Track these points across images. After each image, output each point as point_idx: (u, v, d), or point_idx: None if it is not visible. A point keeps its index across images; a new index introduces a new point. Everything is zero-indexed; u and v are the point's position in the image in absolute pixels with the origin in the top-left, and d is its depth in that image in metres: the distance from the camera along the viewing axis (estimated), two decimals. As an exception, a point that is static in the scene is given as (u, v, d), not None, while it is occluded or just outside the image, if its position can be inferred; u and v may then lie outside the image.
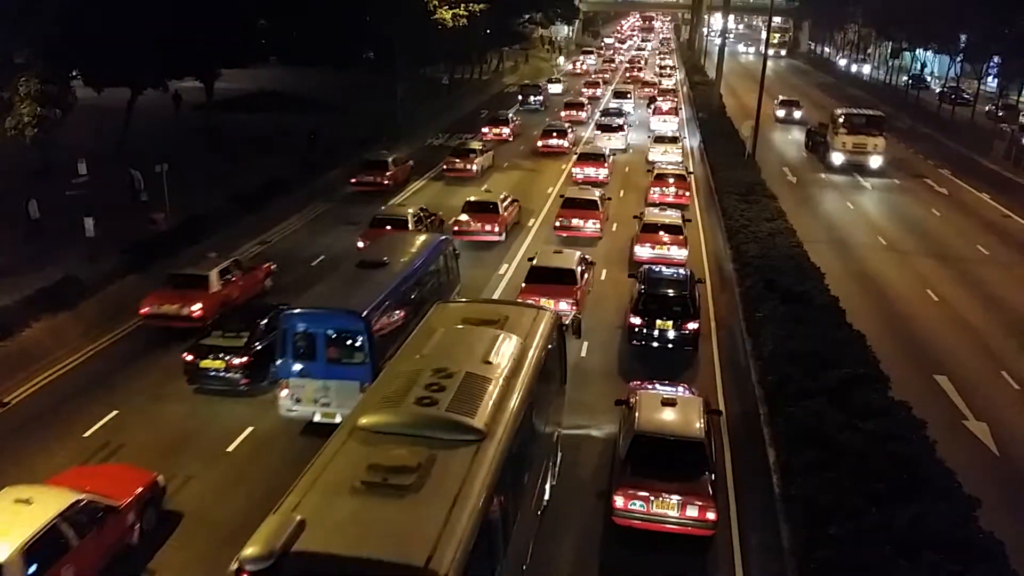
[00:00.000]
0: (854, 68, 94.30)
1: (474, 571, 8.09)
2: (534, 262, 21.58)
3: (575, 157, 39.10)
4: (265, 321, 17.54)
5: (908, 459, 12.07)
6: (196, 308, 19.63)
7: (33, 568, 10.23)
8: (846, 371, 14.75)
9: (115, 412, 16.28)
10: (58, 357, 18.68)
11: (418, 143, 44.79)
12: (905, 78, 75.46)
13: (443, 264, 19.91)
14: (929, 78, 75.91)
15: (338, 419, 14.46)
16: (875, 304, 23.56)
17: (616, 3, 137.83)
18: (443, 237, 21.13)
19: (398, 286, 16.96)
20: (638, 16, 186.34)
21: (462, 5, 49.99)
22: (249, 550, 7.51)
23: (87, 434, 15.49)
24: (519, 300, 18.83)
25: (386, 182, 33.95)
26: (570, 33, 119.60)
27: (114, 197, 29.26)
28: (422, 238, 20.68)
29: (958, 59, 60.11)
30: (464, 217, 27.48)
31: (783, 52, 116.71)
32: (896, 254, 28.85)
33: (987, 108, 58.73)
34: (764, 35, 48.81)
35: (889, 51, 78.90)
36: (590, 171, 36.23)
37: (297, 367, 15.27)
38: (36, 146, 30.92)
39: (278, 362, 15.50)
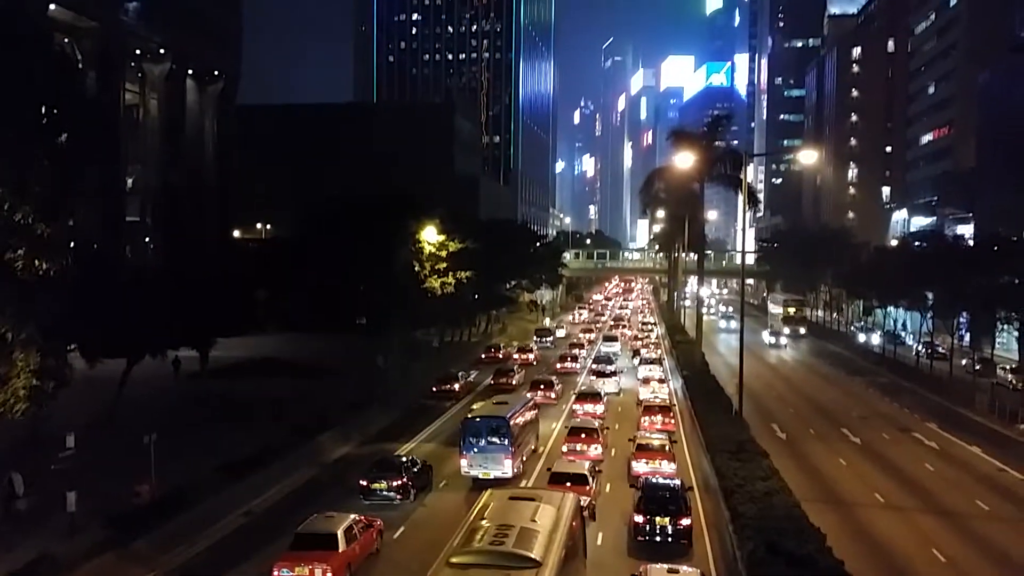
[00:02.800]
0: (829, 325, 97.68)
1: None
2: (552, 469, 27.29)
3: (574, 396, 44.61)
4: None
5: None
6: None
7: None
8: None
9: None
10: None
11: (407, 403, 45.16)
12: (877, 335, 78.22)
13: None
14: (904, 333, 78.54)
15: (492, 475, 29.30)
16: (882, 567, 22.73)
17: (597, 268, 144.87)
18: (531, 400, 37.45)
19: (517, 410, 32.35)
20: (619, 279, 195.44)
21: (450, 274, 52.52)
22: None
23: None
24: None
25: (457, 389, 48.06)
26: (555, 296, 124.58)
27: (100, 471, 28.81)
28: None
29: (928, 315, 62.64)
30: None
31: (802, 331, 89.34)
32: (895, 511, 28.31)
33: (964, 362, 60.31)
34: (749, 289, 51.28)
35: (861, 309, 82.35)
36: (588, 407, 41.09)
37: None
38: (26, 418, 30.85)
39: (461, 444, 30.07)
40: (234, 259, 59.95)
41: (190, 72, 76.14)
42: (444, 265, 52.17)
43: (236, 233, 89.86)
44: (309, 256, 45.95)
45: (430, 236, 50.88)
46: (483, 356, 64.72)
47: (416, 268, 50.13)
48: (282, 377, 49.52)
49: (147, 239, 72.09)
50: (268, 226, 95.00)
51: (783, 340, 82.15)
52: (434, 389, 48.93)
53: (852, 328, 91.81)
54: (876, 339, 77.06)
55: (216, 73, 79.99)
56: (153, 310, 34.56)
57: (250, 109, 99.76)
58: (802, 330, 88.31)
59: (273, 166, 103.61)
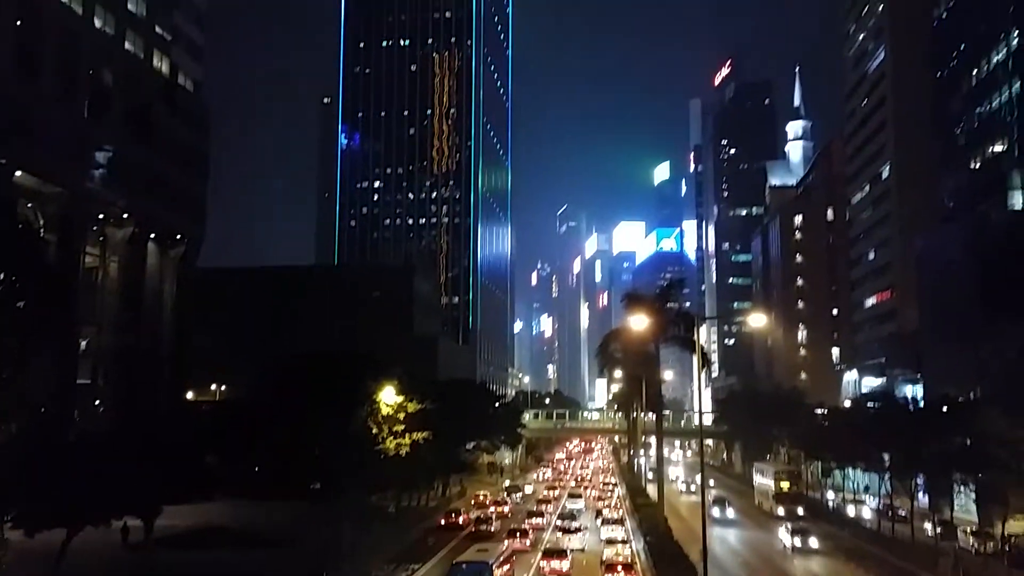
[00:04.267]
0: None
1: None
2: None
3: (540, 552, 45.54)
4: None
5: None
6: None
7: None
8: None
9: None
10: None
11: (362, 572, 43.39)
12: (833, 494, 77.97)
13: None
14: (865, 495, 78.33)
15: None
16: None
17: (556, 429, 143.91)
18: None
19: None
20: (580, 439, 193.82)
21: (407, 435, 51.85)
22: None
23: None
24: None
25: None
26: (515, 458, 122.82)
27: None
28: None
29: (886, 477, 62.83)
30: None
31: (800, 511, 68.16)
32: None
33: (926, 524, 60.06)
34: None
35: (820, 470, 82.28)
36: (555, 564, 42.16)
37: None
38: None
39: None
40: (185, 423, 58.61)
41: (152, 236, 77.04)
42: (402, 427, 51.62)
43: (190, 395, 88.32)
44: (262, 418, 45.28)
45: (388, 397, 50.60)
46: (442, 522, 62.43)
47: (373, 430, 49.50)
48: (233, 547, 47.47)
49: (97, 403, 70.41)
50: (223, 387, 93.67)
51: (812, 540, 53.71)
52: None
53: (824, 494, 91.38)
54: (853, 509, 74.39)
55: (179, 237, 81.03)
56: (97, 477, 33.39)
57: (212, 271, 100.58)
58: (800, 510, 68.05)
59: (233, 328, 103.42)
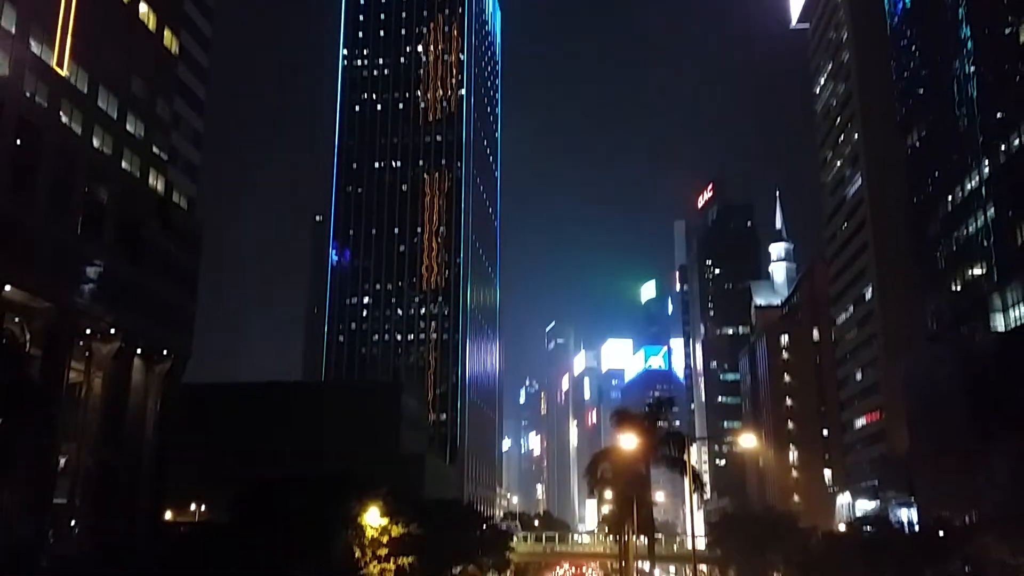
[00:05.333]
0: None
1: None
2: None
3: None
4: None
5: None
6: None
7: None
8: None
9: None
10: None
11: None
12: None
13: None
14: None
15: None
16: None
17: (546, 552, 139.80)
18: None
19: None
20: (570, 565, 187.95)
21: (391, 560, 50.39)
22: None
23: None
24: None
25: None
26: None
27: None
28: None
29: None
30: None
31: None
32: None
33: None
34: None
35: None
36: None
37: None
38: None
39: None
40: (161, 547, 56.80)
41: (138, 351, 76.59)
42: (386, 551, 50.19)
43: (168, 515, 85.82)
44: (241, 543, 43.98)
45: (373, 519, 49.41)
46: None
47: (356, 554, 48.08)
48: None
49: (73, 523, 68.27)
50: (203, 507, 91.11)
51: None
52: None
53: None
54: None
55: (165, 352, 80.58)
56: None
57: (197, 387, 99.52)
58: None
59: (218, 445, 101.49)
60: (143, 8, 75.89)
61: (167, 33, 79.71)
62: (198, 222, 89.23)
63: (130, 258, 73.02)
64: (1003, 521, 57.59)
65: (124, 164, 73.70)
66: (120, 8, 73.16)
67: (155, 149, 78.30)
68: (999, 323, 79.78)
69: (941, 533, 59.38)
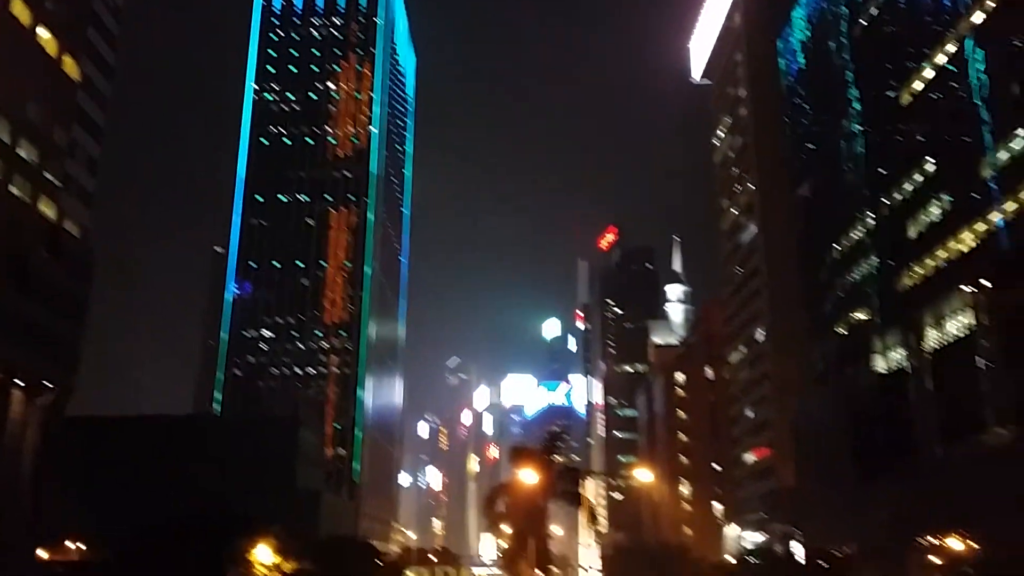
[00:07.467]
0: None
1: None
2: None
3: None
4: None
5: None
6: None
7: None
8: None
9: None
10: None
11: None
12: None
13: None
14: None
15: None
16: None
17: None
18: None
19: None
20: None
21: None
22: None
23: None
24: None
25: None
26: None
27: None
28: None
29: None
30: None
31: None
32: None
33: None
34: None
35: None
36: None
37: None
38: None
39: None
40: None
41: (19, 383, 73.05)
42: (278, 590, 49.14)
43: (44, 555, 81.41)
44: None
45: (264, 557, 48.37)
46: None
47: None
48: None
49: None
50: (84, 546, 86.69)
51: None
52: None
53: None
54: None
55: (47, 384, 77.06)
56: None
57: (82, 420, 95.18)
58: None
59: (103, 481, 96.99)
60: (43, 33, 73.68)
61: (67, 59, 77.49)
62: (90, 251, 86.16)
63: (16, 287, 69.93)
64: (880, 552, 60.58)
65: (13, 190, 70.92)
66: (20, 32, 70.86)
67: (47, 174, 75.59)
68: (880, 365, 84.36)
69: (823, 564, 61.83)
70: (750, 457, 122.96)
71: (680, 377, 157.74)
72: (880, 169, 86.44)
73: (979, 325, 62.91)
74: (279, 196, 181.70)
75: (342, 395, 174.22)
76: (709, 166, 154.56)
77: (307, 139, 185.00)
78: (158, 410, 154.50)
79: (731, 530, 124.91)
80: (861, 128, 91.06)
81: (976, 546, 48.73)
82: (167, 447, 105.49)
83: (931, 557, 56.10)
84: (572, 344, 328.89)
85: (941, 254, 72.52)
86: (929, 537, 57.75)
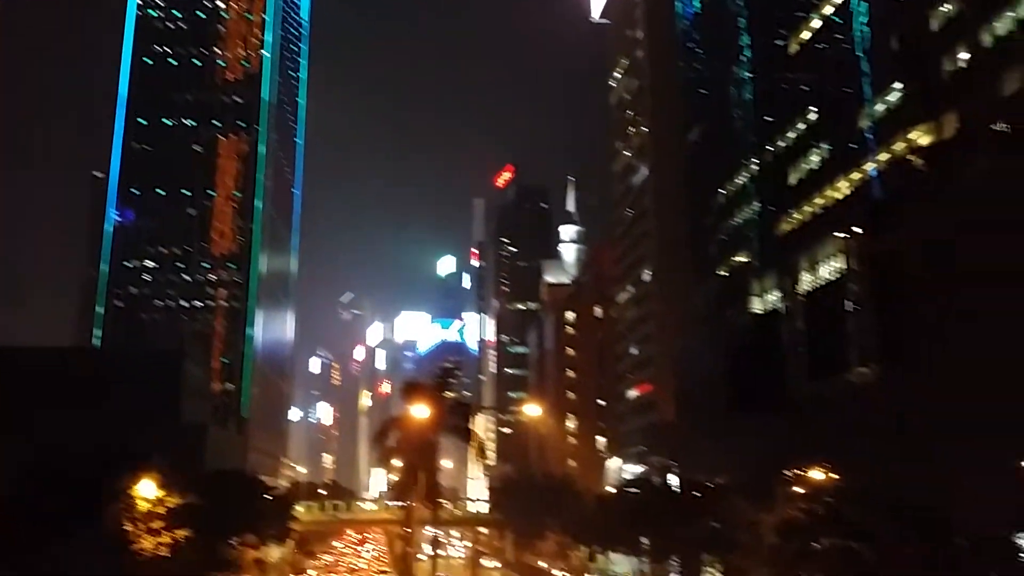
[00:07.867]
0: None
1: None
2: None
3: None
4: None
5: None
6: None
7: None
8: None
9: None
10: None
11: None
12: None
13: None
14: None
15: None
16: None
17: (330, 521, 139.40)
18: None
19: None
20: (356, 530, 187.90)
21: (164, 533, 48.80)
22: None
23: None
24: None
25: None
26: (283, 554, 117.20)
27: None
28: None
29: (644, 560, 66.57)
30: None
31: None
32: None
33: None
34: None
35: (588, 556, 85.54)
36: None
37: None
38: None
39: None
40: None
41: None
42: (161, 524, 48.45)
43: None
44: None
45: (147, 491, 47.55)
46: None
47: (128, 527, 46.12)
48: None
49: None
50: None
51: None
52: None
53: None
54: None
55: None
56: None
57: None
58: None
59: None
60: None
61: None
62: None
63: None
64: (750, 484, 64.27)
65: None
66: None
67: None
68: (757, 307, 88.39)
69: (697, 495, 65.17)
70: (633, 393, 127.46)
71: (570, 315, 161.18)
72: (766, 116, 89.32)
73: (849, 270, 66.44)
74: (164, 120, 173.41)
75: (231, 329, 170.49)
76: (605, 107, 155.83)
77: (194, 60, 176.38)
78: (42, 343, 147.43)
79: (613, 462, 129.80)
80: (751, 75, 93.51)
81: (836, 477, 52.28)
82: (41, 381, 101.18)
83: (796, 488, 59.92)
84: (466, 281, 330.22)
85: (818, 201, 75.97)
86: (795, 469, 61.58)
